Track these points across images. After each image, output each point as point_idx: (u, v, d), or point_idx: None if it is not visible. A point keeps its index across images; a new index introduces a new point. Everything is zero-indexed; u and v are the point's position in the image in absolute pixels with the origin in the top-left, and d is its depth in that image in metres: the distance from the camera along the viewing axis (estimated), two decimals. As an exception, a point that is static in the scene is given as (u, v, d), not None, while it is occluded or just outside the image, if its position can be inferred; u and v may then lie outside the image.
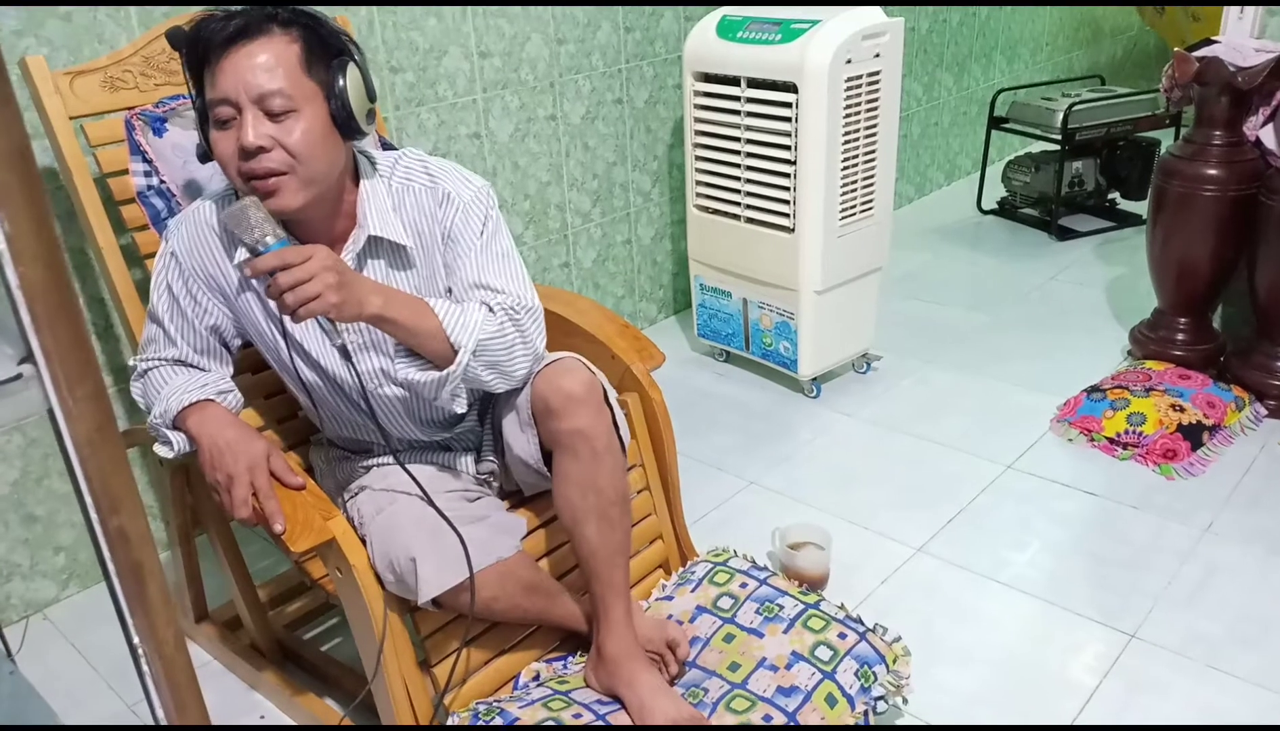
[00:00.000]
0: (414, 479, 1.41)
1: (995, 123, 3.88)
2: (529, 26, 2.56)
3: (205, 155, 1.34)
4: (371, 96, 1.35)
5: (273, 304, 1.27)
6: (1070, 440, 2.40)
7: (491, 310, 1.42)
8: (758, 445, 2.48)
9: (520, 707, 1.44)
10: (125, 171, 1.66)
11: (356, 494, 1.51)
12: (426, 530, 1.36)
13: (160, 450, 1.39)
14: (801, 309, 2.57)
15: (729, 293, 2.76)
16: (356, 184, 1.41)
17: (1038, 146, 3.85)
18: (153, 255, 1.58)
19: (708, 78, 2.58)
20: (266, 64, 1.24)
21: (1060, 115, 3.57)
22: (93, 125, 1.67)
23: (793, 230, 2.50)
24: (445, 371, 1.37)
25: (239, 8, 1.26)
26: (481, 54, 2.48)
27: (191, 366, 1.45)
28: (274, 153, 1.25)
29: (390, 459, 1.52)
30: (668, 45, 2.91)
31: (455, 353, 1.37)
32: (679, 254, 3.17)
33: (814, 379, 2.69)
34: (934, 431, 2.48)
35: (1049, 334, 2.99)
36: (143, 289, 1.62)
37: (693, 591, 1.71)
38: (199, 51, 1.26)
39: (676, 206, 3.12)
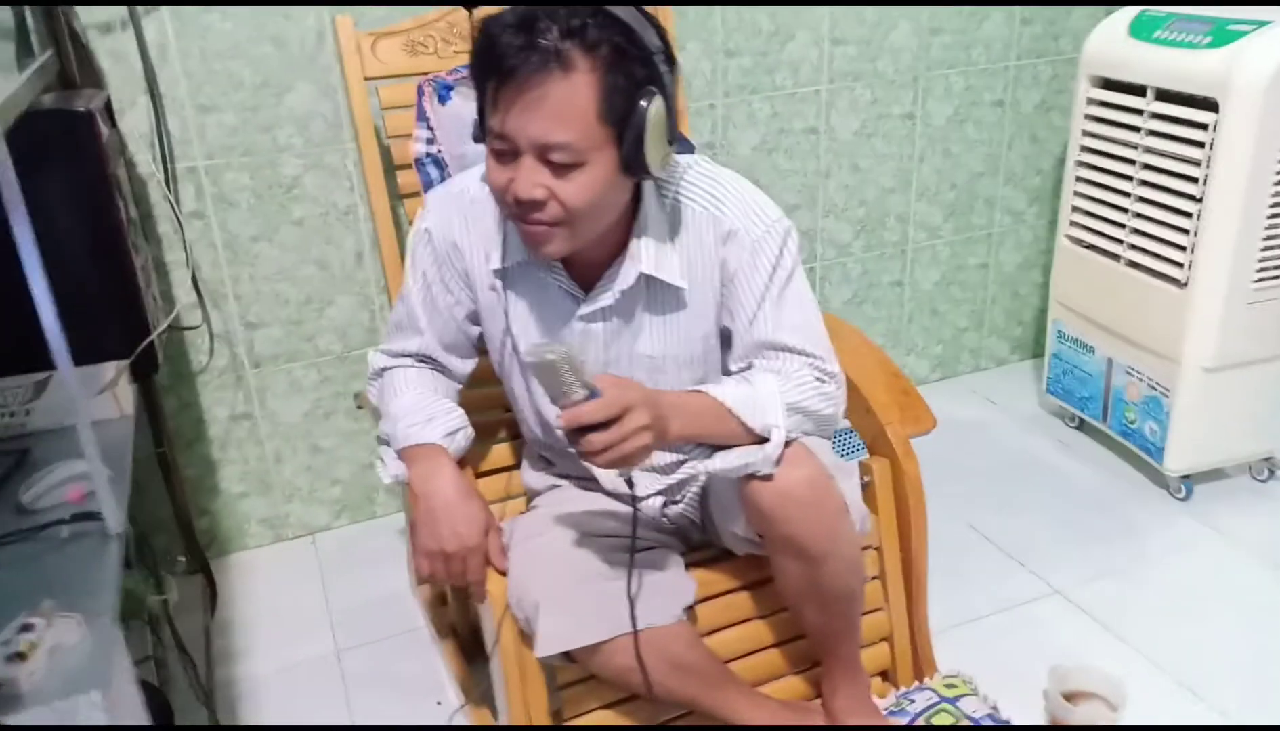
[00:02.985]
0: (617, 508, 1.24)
1: None
2: (898, 12, 2.24)
3: (478, 136, 1.24)
4: (673, 137, 1.13)
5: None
6: None
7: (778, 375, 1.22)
8: (1082, 543, 2.00)
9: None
10: (408, 136, 1.67)
11: (530, 508, 1.38)
12: (564, 576, 1.20)
13: (378, 467, 1.33)
14: (1182, 385, 2.02)
15: (1092, 347, 2.26)
16: (637, 206, 1.21)
17: None
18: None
19: (1108, 84, 2.10)
20: (555, 111, 1.04)
21: None
22: (386, 88, 1.69)
23: (1185, 285, 1.96)
24: (755, 457, 1.16)
25: (540, 10, 1.04)
26: (834, 40, 2.22)
27: (434, 364, 1.36)
28: (549, 206, 1.09)
29: (570, 479, 1.37)
30: (1075, 43, 2.42)
31: (764, 437, 1.17)
32: (1049, 289, 2.68)
33: (1186, 476, 2.12)
34: (1342, 585, 1.84)
35: None
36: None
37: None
38: (484, 66, 1.08)
39: (1057, 233, 2.62)
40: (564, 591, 1.19)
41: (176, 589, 1.83)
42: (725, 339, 1.29)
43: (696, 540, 1.43)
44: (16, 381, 1.49)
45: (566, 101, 1.03)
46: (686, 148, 1.73)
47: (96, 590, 1.10)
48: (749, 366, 1.25)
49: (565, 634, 1.18)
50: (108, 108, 1.59)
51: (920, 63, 2.32)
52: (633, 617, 1.19)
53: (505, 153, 1.09)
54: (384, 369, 1.36)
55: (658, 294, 1.24)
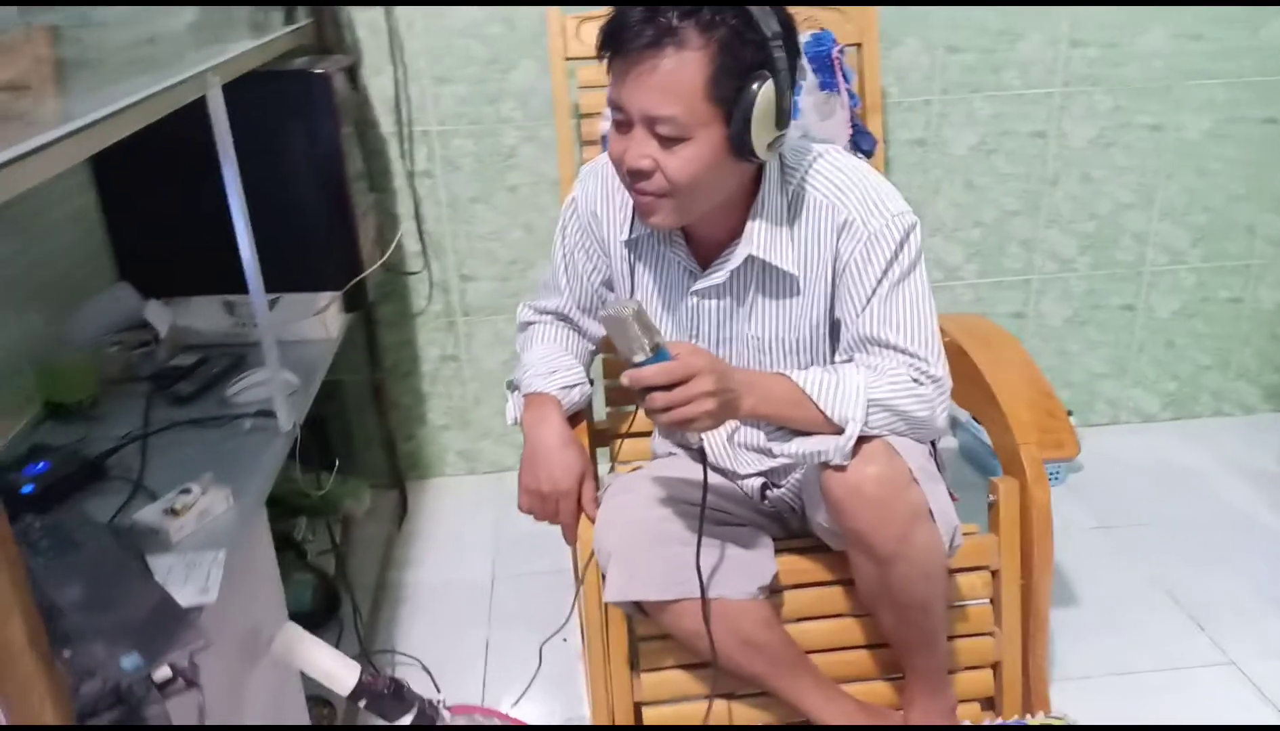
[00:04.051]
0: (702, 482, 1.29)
1: None
2: (1150, 15, 2.07)
3: None
4: (782, 122, 1.14)
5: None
6: None
7: (872, 370, 1.21)
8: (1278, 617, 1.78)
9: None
10: (598, 114, 1.79)
11: (639, 467, 1.46)
12: (642, 533, 1.27)
13: (507, 409, 1.44)
14: None
15: (1345, 405, 1.99)
16: (758, 188, 1.25)
17: None
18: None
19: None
20: (663, 84, 1.08)
21: None
22: (585, 68, 1.81)
23: None
24: (828, 446, 1.17)
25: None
26: (1073, 42, 2.08)
27: (571, 323, 1.47)
28: (655, 177, 1.15)
29: (685, 450, 1.44)
30: (1379, 56, 2.12)
31: (841, 427, 1.18)
32: (1319, 335, 2.37)
33: None
34: None
35: None
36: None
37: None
38: (607, 39, 1.13)
39: (1335, 273, 2.31)
40: (637, 546, 1.26)
41: (370, 498, 2.10)
42: (834, 329, 1.29)
43: (796, 528, 1.44)
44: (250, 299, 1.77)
45: (675, 76, 1.08)
46: (868, 142, 1.73)
47: (255, 474, 1.32)
48: (850, 360, 1.25)
49: (629, 585, 1.25)
50: (350, 72, 1.84)
51: (1174, 70, 2.12)
52: (701, 584, 1.24)
53: (622, 123, 1.16)
54: (527, 323, 1.49)
55: (772, 278, 1.27)
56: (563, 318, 1.47)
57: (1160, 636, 1.75)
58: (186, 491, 1.20)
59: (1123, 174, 2.21)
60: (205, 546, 1.16)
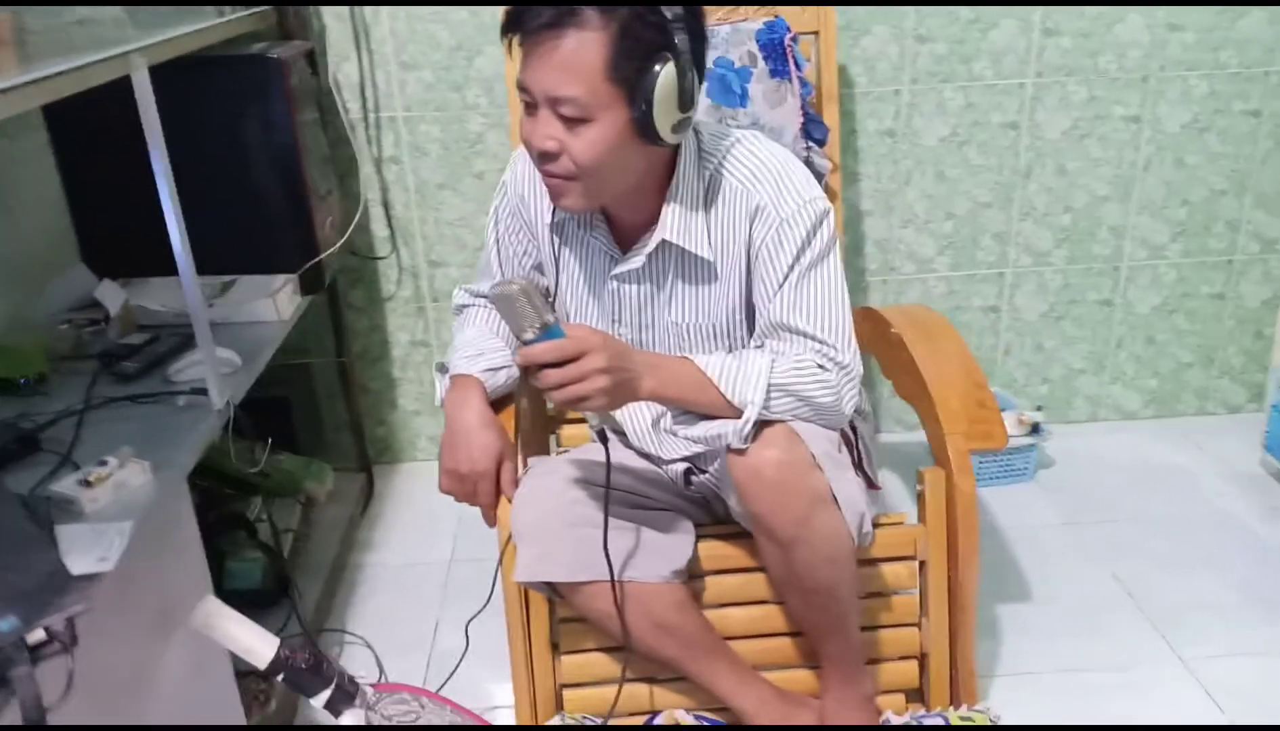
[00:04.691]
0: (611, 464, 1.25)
1: None
2: (1003, 8, 2.04)
3: None
4: (685, 105, 1.14)
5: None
6: None
7: (779, 355, 1.21)
8: (1241, 620, 1.74)
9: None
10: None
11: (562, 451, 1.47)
12: (553, 514, 1.28)
13: (436, 392, 1.45)
14: None
15: (1318, 404, 1.94)
16: (673, 172, 1.25)
17: None
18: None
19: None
20: (564, 64, 1.09)
21: None
22: (542, 54, 1.82)
23: None
24: (726, 429, 1.18)
25: None
26: (1047, 31, 2.05)
27: None
28: (561, 160, 1.15)
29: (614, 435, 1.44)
30: (1370, 47, 2.06)
31: (743, 411, 1.18)
32: (1302, 333, 2.31)
33: None
34: None
35: None
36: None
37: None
38: (511, 22, 1.14)
39: (1321, 270, 2.26)
40: (548, 527, 1.27)
41: (334, 481, 2.13)
42: (752, 315, 1.29)
43: (721, 513, 1.44)
44: (209, 280, 1.79)
45: (575, 56, 1.08)
46: (820, 131, 1.73)
47: (180, 449, 1.34)
48: (762, 346, 1.25)
49: (539, 566, 1.26)
50: (310, 57, 1.86)
51: (1153, 61, 2.08)
52: (609, 566, 1.24)
53: (529, 105, 1.16)
54: (462, 305, 1.50)
55: (689, 263, 1.27)
56: None
57: (1114, 635, 1.73)
58: (103, 463, 1.22)
59: (1099, 166, 2.17)
60: (120, 517, 1.18)
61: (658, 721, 1.39)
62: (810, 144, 1.74)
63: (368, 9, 1.97)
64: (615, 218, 1.29)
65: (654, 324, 1.33)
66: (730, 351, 1.29)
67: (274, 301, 1.75)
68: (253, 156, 1.74)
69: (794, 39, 1.73)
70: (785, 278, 1.21)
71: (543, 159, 1.16)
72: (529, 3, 1.11)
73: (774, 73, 1.71)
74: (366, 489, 2.23)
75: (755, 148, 1.25)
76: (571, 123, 1.12)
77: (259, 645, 1.31)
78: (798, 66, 1.72)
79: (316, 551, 1.96)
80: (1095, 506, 2.10)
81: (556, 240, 1.36)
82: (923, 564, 1.43)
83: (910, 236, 2.22)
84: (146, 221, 1.63)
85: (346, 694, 1.36)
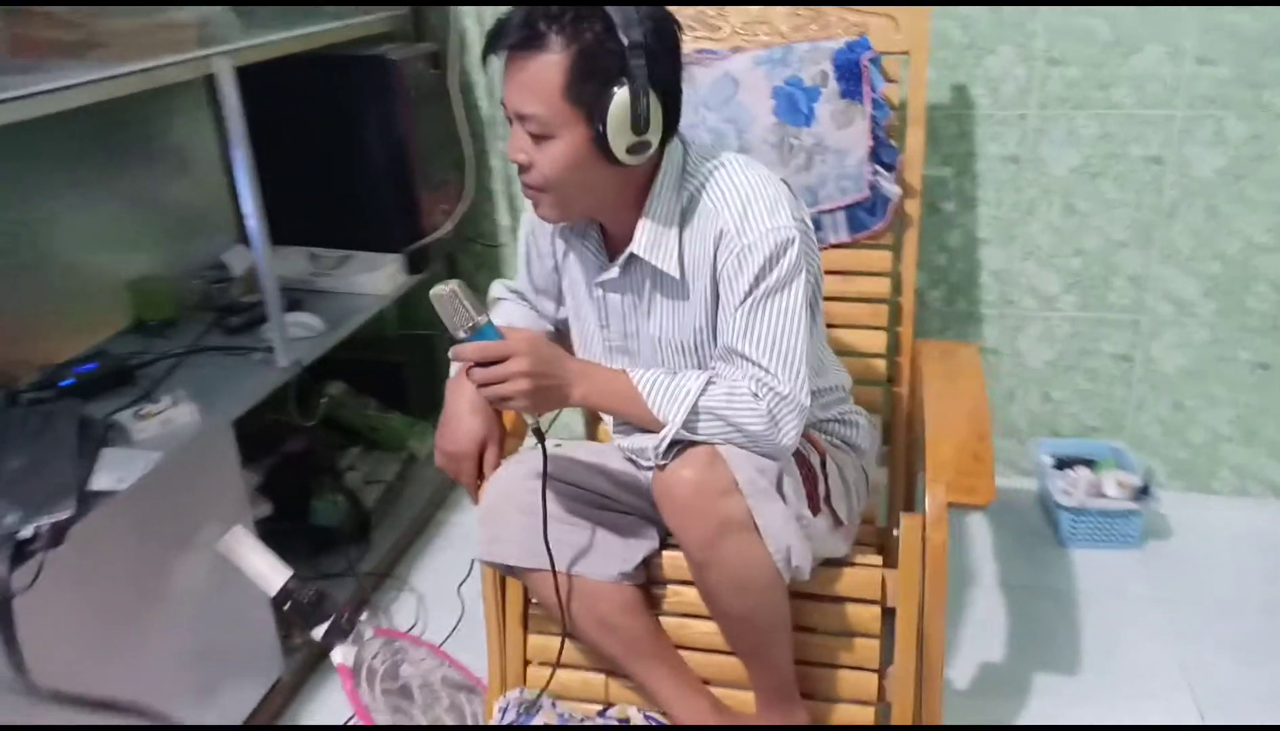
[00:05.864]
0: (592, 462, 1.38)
1: None
2: (1148, 31, 1.85)
3: None
4: (639, 128, 1.17)
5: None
6: None
7: (714, 382, 1.24)
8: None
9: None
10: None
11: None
12: (510, 499, 1.36)
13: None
14: None
15: None
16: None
17: None
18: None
19: None
20: (528, 84, 1.16)
21: None
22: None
23: None
24: (647, 445, 1.24)
25: (540, 8, 1.17)
26: (1200, 58, 1.85)
27: (530, 303, 1.57)
28: (532, 172, 1.23)
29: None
30: None
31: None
32: None
33: None
34: None
35: None
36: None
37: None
38: (490, 43, 1.21)
39: None
40: (505, 512, 1.36)
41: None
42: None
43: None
44: (329, 253, 2.04)
45: (538, 77, 1.16)
46: (889, 155, 1.70)
47: (236, 399, 1.56)
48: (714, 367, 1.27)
49: (493, 547, 1.35)
50: (433, 58, 2.04)
51: (1178, 96, 1.89)
52: (550, 558, 1.32)
53: (509, 121, 1.25)
54: (498, 299, 1.62)
55: (664, 279, 1.31)
56: (524, 297, 1.58)
57: (1153, 718, 1.58)
58: (157, 401, 1.46)
59: (1256, 211, 1.93)
60: (162, 449, 1.41)
61: (609, 714, 1.45)
62: (878, 167, 1.69)
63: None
64: (607, 228, 1.35)
65: (638, 334, 1.38)
66: (700, 369, 1.32)
67: (378, 277, 1.96)
68: (369, 146, 1.95)
69: (873, 59, 1.69)
70: (741, 303, 1.23)
71: (519, 170, 1.25)
72: None
73: (845, 93, 1.68)
74: (469, 455, 2.42)
75: (735, 171, 1.27)
76: (538, 138, 1.20)
77: (271, 575, 1.51)
78: (873, 87, 1.68)
79: (405, 504, 2.17)
80: (1195, 585, 1.90)
81: (561, 244, 1.44)
82: (892, 610, 1.38)
83: (1032, 270, 2.09)
84: (293, 196, 1.88)
85: (342, 630, 1.53)
